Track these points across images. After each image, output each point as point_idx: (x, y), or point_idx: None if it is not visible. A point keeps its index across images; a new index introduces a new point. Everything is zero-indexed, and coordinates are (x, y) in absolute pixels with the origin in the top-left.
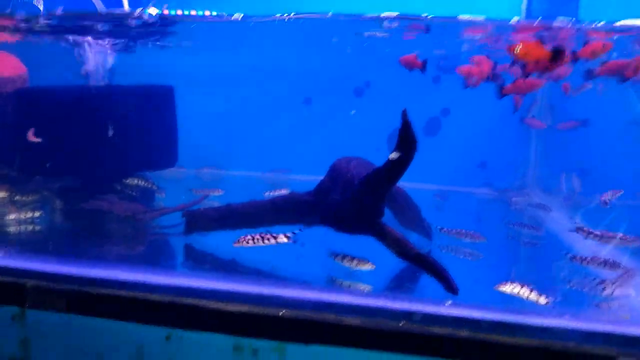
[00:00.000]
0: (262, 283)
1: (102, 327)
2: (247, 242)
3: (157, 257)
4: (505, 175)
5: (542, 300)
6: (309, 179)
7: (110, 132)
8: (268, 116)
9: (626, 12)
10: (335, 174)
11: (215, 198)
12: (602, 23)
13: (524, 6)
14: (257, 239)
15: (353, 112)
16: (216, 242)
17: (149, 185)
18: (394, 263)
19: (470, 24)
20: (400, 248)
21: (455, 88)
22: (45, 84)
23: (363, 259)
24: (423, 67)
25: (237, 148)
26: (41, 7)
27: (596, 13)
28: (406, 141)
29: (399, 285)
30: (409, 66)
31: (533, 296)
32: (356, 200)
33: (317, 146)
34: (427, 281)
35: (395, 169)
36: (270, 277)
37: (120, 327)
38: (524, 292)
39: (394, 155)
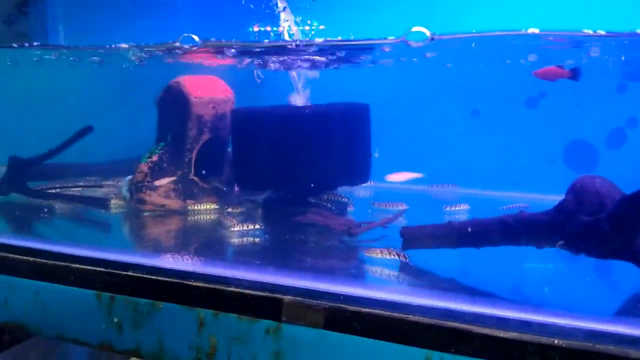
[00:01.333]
0: (529, 309)
1: (359, 344)
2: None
3: (392, 275)
4: None
5: None
6: (478, 193)
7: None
8: (434, 129)
9: None
10: (582, 193)
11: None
12: None
13: None
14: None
15: None
16: (430, 259)
17: (343, 199)
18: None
19: None
20: None
21: None
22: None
23: None
24: (574, 75)
25: (399, 161)
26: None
27: None
28: None
29: None
30: (552, 78)
31: None
32: (614, 221)
33: (486, 160)
34: None
35: None
36: (525, 303)
37: (377, 346)
38: None
39: None
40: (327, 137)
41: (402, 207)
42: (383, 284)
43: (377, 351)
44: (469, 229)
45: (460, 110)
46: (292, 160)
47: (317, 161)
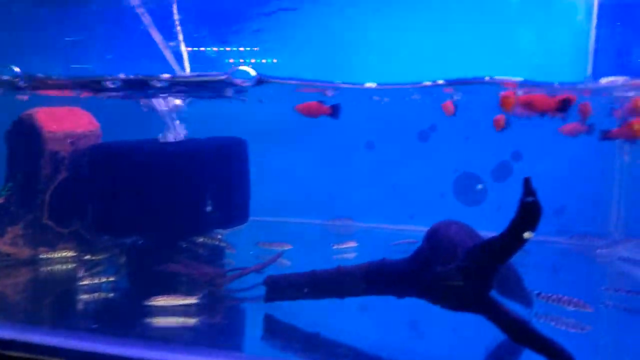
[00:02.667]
0: None
1: None
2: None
3: (243, 334)
4: (584, 221)
5: None
6: (373, 226)
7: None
8: (328, 162)
9: None
10: (435, 242)
11: (285, 253)
12: None
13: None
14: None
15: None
16: (298, 311)
17: (218, 243)
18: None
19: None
20: (517, 331)
21: (528, 131)
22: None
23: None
24: (334, 112)
25: (296, 195)
26: None
27: None
28: (532, 214)
29: None
30: (313, 114)
31: None
32: (464, 272)
33: (380, 193)
34: None
35: (516, 242)
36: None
37: None
38: None
39: (528, 235)
40: (199, 176)
41: (285, 247)
42: (224, 349)
43: None
44: (333, 279)
45: (355, 143)
46: (159, 201)
47: (187, 202)
